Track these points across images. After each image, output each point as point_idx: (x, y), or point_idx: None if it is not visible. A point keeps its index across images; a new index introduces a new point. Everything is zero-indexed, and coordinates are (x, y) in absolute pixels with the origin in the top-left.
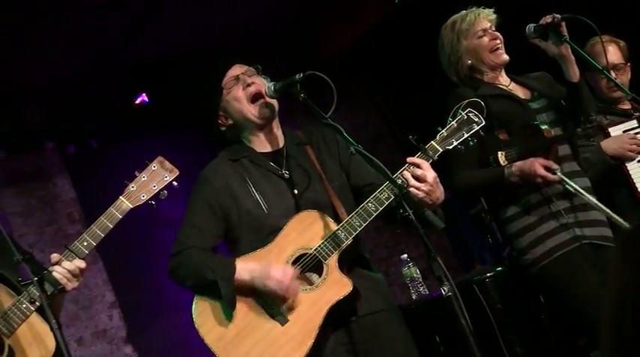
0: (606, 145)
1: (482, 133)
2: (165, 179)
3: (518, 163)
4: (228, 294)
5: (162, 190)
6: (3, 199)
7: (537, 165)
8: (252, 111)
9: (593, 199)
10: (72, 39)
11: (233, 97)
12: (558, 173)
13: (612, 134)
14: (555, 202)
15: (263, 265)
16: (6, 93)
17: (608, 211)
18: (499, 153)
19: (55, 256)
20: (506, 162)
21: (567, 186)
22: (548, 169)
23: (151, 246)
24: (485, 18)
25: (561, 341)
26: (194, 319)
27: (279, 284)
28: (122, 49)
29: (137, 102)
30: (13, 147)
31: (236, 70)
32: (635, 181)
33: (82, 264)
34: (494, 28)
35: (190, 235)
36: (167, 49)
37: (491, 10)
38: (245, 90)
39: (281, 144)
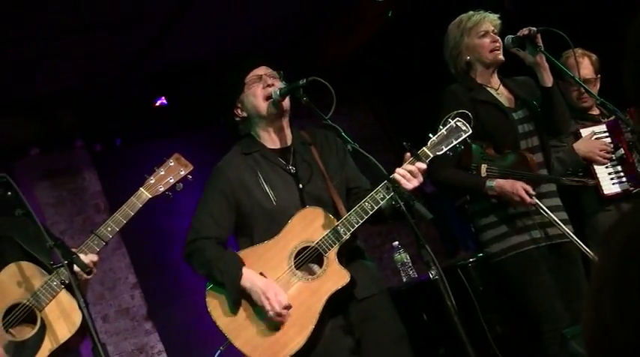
0: (578, 146)
1: (468, 141)
2: (181, 173)
3: (501, 181)
4: (233, 297)
5: (177, 182)
6: (37, 191)
7: (519, 187)
8: (265, 108)
9: (563, 226)
10: (100, 49)
11: (252, 92)
12: (535, 199)
13: (583, 135)
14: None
15: (264, 283)
16: (41, 96)
17: (572, 236)
18: (483, 165)
19: (74, 250)
20: (486, 175)
21: (541, 210)
22: (527, 192)
23: (169, 234)
24: (490, 22)
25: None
26: (207, 304)
27: (265, 304)
28: (143, 58)
29: (157, 104)
30: (47, 145)
31: (261, 70)
32: (600, 181)
33: (94, 258)
34: (496, 32)
35: (205, 224)
36: (184, 57)
37: (497, 15)
38: (264, 89)
39: (289, 142)
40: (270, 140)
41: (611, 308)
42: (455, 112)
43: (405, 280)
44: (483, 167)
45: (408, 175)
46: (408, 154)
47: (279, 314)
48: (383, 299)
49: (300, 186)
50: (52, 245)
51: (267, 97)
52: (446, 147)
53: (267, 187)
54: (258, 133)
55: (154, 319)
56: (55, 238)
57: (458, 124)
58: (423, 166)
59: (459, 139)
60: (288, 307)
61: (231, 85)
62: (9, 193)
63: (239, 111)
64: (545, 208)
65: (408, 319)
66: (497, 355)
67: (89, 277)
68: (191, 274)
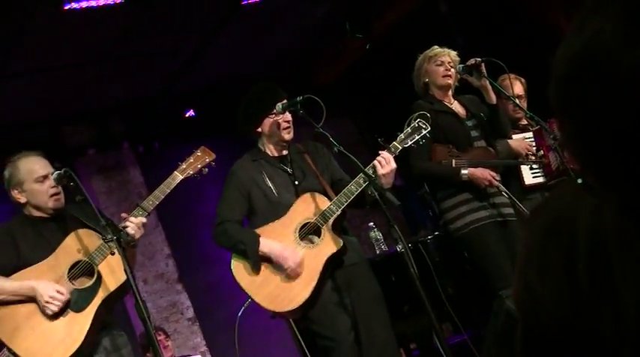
0: (512, 143)
1: (428, 136)
2: (206, 160)
3: (472, 169)
4: (254, 262)
5: (203, 167)
6: (93, 182)
7: (487, 174)
8: (281, 135)
9: (518, 203)
10: (143, 72)
11: (274, 121)
12: (498, 182)
13: (513, 138)
14: (473, 191)
15: (281, 247)
16: (97, 109)
17: (515, 200)
18: (453, 160)
19: (124, 214)
20: (456, 166)
21: (502, 191)
22: (493, 177)
23: (196, 216)
24: (449, 55)
25: (480, 284)
26: (232, 270)
27: (285, 262)
28: (176, 80)
29: (186, 116)
30: (101, 147)
31: (288, 116)
32: (523, 174)
33: (144, 219)
34: (452, 64)
35: (226, 211)
36: (207, 80)
37: (455, 52)
38: (284, 122)
39: (285, 152)
40: (273, 151)
41: (534, 276)
42: (417, 113)
43: (378, 252)
44: (453, 161)
45: (383, 161)
46: (381, 152)
47: (295, 268)
48: (364, 267)
49: (296, 183)
50: (104, 224)
51: (285, 129)
52: (411, 141)
53: (270, 183)
54: (265, 145)
55: (183, 281)
56: (106, 219)
57: (419, 123)
58: (391, 155)
59: (421, 135)
60: (301, 263)
61: (261, 109)
62: (71, 183)
63: (259, 129)
64: (504, 189)
65: (380, 283)
66: (449, 311)
67: (136, 242)
68: (213, 246)
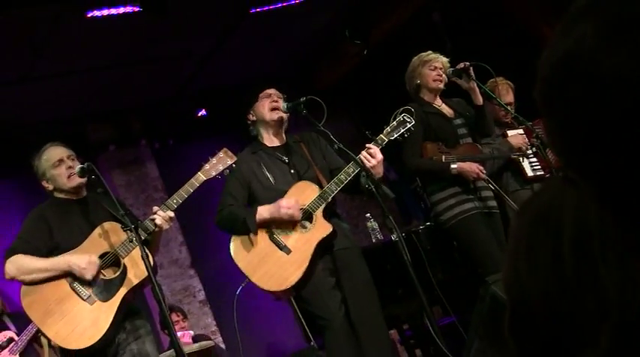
0: (511, 140)
1: (412, 129)
2: (227, 162)
3: (461, 163)
4: (252, 225)
5: (225, 169)
6: (113, 176)
7: (475, 167)
8: (268, 116)
9: (505, 195)
10: (159, 74)
11: (261, 104)
12: (485, 175)
13: (509, 135)
14: (461, 185)
15: (274, 204)
16: (117, 107)
17: (501, 192)
18: (443, 156)
19: (155, 208)
20: (446, 161)
21: (489, 184)
22: (480, 171)
23: (207, 207)
24: (441, 61)
25: (467, 270)
26: (231, 251)
27: (288, 206)
28: (189, 83)
29: (198, 115)
30: (121, 143)
31: (271, 90)
32: (525, 168)
33: (172, 214)
34: (443, 70)
35: (228, 199)
36: (217, 82)
37: (447, 59)
38: (270, 103)
39: (282, 142)
40: (270, 140)
41: (523, 262)
42: (402, 108)
43: (374, 241)
44: (443, 157)
45: (369, 156)
46: (368, 145)
47: (290, 211)
48: (355, 252)
49: (292, 171)
50: (123, 214)
51: (272, 108)
52: (396, 134)
53: (268, 172)
54: (262, 135)
55: (195, 267)
56: (125, 209)
57: (405, 117)
58: (377, 148)
59: (405, 128)
60: (297, 203)
61: (249, 96)
62: (93, 176)
63: (251, 116)
64: (492, 181)
65: (377, 268)
66: (439, 295)
67: (162, 230)
68: (222, 235)
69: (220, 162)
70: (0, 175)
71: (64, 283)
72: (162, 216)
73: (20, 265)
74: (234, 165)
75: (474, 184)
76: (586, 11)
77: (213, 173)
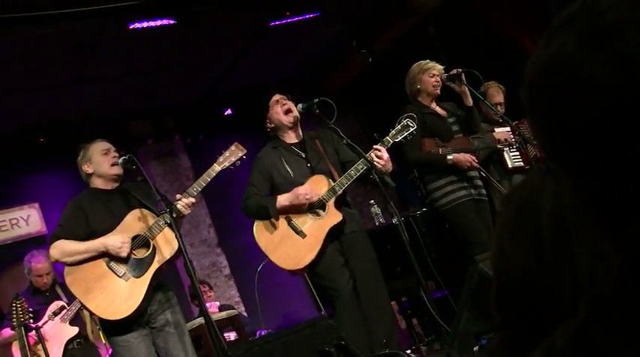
0: (496, 134)
1: (415, 133)
2: (239, 155)
3: (455, 154)
4: (274, 212)
5: (237, 160)
6: (151, 166)
7: (468, 157)
8: (284, 119)
9: (496, 183)
10: (191, 78)
11: (274, 111)
12: (477, 164)
13: (497, 131)
14: (455, 174)
15: (292, 192)
16: (155, 108)
17: (492, 179)
18: (439, 149)
19: (178, 195)
20: (443, 153)
21: (482, 173)
22: (473, 160)
23: (232, 194)
24: (438, 69)
25: (457, 250)
26: (254, 233)
27: (305, 192)
28: (217, 85)
29: (225, 114)
30: (157, 138)
31: (276, 96)
32: (506, 159)
33: (192, 200)
34: (439, 77)
35: (252, 189)
36: (243, 83)
37: (443, 67)
38: (282, 107)
39: (300, 138)
40: (289, 138)
41: (508, 242)
42: (405, 114)
43: (377, 224)
44: (440, 150)
45: (378, 158)
46: (375, 146)
47: (306, 195)
48: (362, 234)
49: (309, 165)
50: (159, 199)
51: (286, 112)
52: (400, 136)
53: (288, 166)
54: (282, 135)
55: (221, 246)
56: (161, 195)
57: (408, 122)
58: (384, 148)
59: (409, 131)
60: (312, 190)
61: (261, 109)
62: (134, 167)
63: (268, 124)
64: (482, 169)
65: (380, 248)
66: (433, 271)
67: (184, 216)
68: (245, 218)
69: (232, 155)
70: (54, 166)
71: (101, 263)
72: (185, 202)
73: (62, 249)
74: (245, 157)
75: (466, 173)
76: (568, 23)
77: (227, 164)
